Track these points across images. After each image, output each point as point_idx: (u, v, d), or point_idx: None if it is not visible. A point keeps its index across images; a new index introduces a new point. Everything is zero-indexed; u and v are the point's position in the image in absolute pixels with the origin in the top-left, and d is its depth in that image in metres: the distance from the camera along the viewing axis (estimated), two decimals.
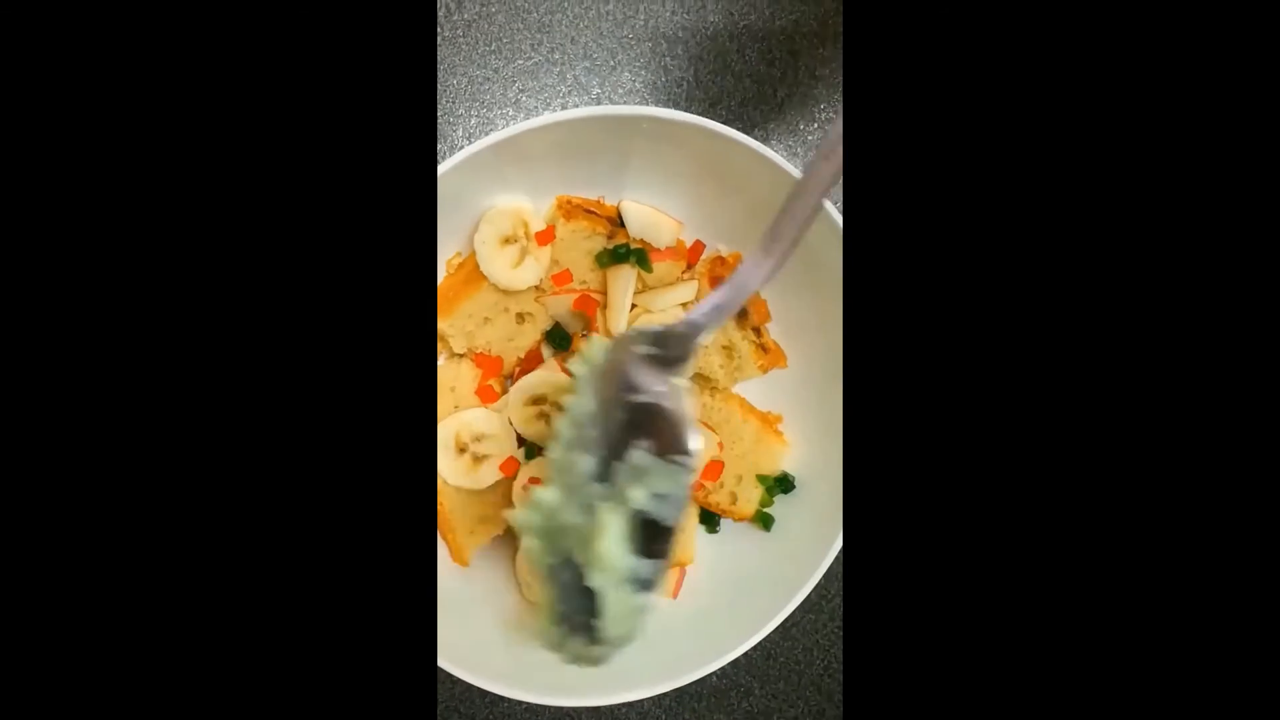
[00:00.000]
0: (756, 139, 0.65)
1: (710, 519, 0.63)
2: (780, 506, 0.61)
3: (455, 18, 0.65)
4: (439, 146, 0.65)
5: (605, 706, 0.66)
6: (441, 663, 0.52)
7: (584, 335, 0.62)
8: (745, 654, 0.66)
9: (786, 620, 0.66)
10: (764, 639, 0.66)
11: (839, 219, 0.53)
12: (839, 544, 0.55)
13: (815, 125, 0.66)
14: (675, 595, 0.62)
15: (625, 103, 0.65)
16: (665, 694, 0.66)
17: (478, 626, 0.57)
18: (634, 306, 0.62)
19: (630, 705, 0.67)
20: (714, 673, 0.66)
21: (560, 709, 0.66)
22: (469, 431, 0.60)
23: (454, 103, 0.65)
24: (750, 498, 0.62)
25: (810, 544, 0.57)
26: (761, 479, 0.62)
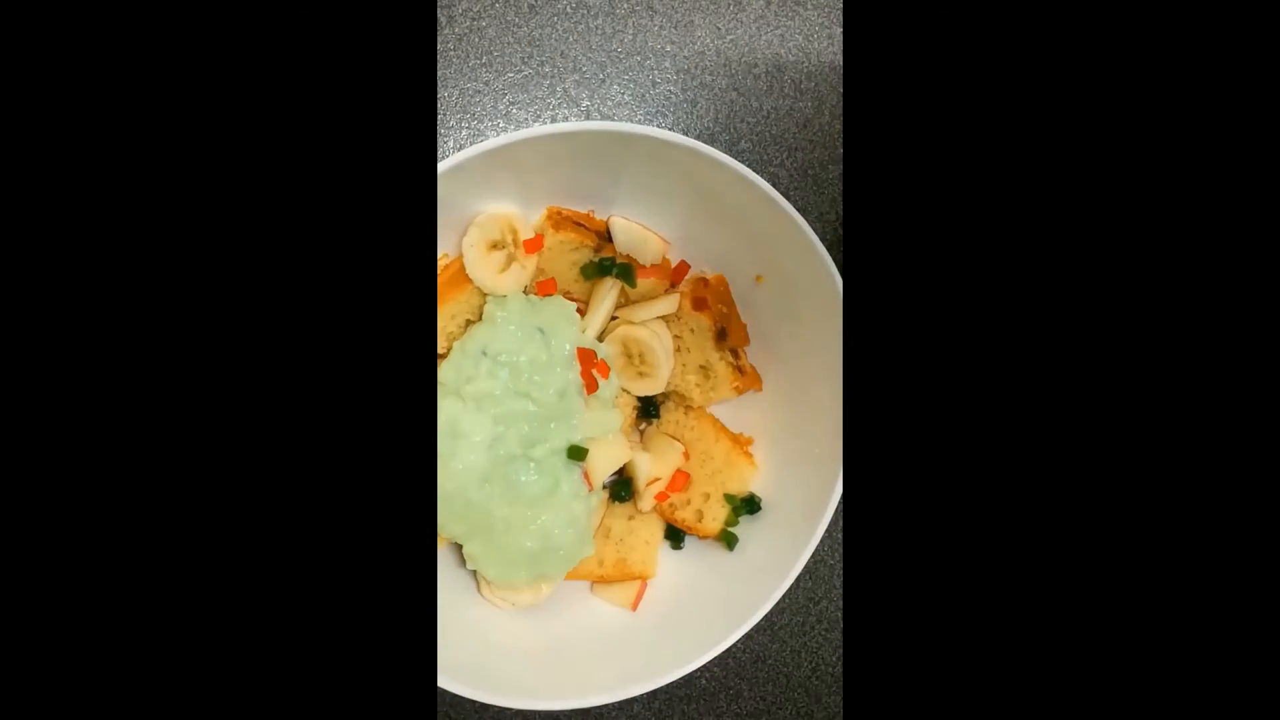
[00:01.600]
0: (742, 151, 0.67)
1: (675, 535, 0.64)
2: (745, 527, 0.62)
3: (446, 32, 0.66)
4: None
5: (593, 709, 0.67)
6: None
7: None
8: (734, 656, 0.68)
9: (775, 623, 0.68)
10: (752, 641, 0.68)
11: (824, 251, 0.55)
12: (800, 566, 0.56)
13: (802, 136, 0.67)
14: (635, 608, 0.63)
15: (614, 116, 0.67)
16: (654, 696, 0.67)
17: (443, 625, 0.58)
18: (615, 318, 0.63)
19: (619, 708, 0.68)
20: (703, 675, 0.67)
21: (549, 713, 0.67)
22: None
23: (445, 115, 0.66)
24: (716, 516, 0.63)
25: (771, 566, 0.58)
26: (729, 498, 0.63)
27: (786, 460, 0.62)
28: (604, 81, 0.67)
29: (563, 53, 0.67)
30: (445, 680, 0.53)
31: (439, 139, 0.66)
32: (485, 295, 0.60)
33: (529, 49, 0.66)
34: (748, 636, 0.65)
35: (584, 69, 0.67)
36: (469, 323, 0.61)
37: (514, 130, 0.54)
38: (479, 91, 0.66)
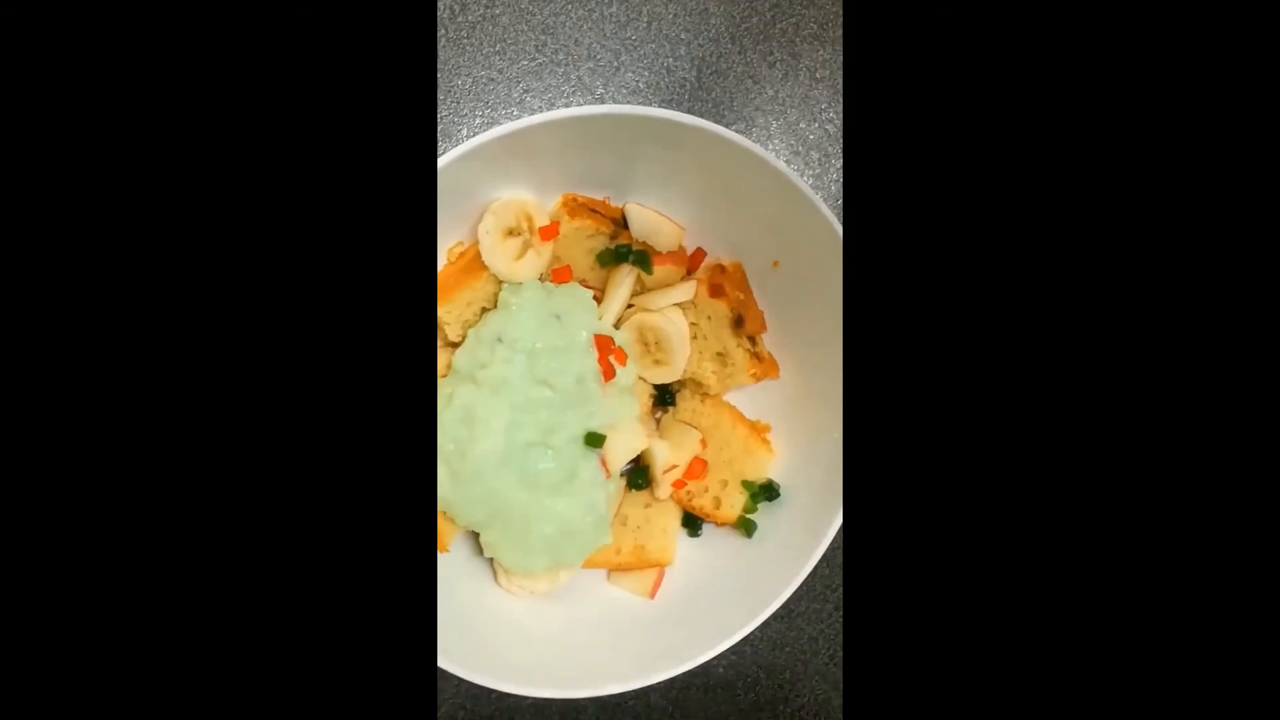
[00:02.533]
0: (757, 140, 0.67)
1: (693, 522, 0.64)
2: (763, 514, 0.62)
3: (460, 19, 0.66)
4: (444, 145, 0.66)
5: (610, 698, 0.67)
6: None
7: None
8: (751, 643, 0.68)
9: (792, 610, 0.68)
10: (769, 629, 0.68)
11: (839, 229, 0.54)
12: (819, 554, 0.56)
13: (816, 125, 0.67)
14: (654, 595, 0.63)
15: (629, 103, 0.67)
16: (672, 684, 0.67)
17: (461, 614, 0.58)
18: (631, 305, 0.63)
19: (636, 696, 0.68)
20: (720, 662, 0.67)
21: (567, 701, 0.67)
22: None
23: (459, 103, 0.66)
24: (734, 503, 0.62)
25: (789, 553, 0.58)
26: (746, 485, 0.62)
27: (804, 447, 0.62)
28: (618, 69, 0.66)
29: (576, 40, 0.66)
30: (461, 669, 0.53)
31: (453, 127, 0.66)
32: (501, 283, 0.60)
33: (543, 36, 0.66)
34: (765, 624, 0.64)
35: (598, 56, 0.66)
36: (484, 310, 0.61)
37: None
38: (492, 79, 0.66)
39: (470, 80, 0.66)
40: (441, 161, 0.52)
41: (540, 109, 0.67)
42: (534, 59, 0.66)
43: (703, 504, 0.63)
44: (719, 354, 0.63)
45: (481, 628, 0.59)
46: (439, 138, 0.66)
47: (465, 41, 0.66)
